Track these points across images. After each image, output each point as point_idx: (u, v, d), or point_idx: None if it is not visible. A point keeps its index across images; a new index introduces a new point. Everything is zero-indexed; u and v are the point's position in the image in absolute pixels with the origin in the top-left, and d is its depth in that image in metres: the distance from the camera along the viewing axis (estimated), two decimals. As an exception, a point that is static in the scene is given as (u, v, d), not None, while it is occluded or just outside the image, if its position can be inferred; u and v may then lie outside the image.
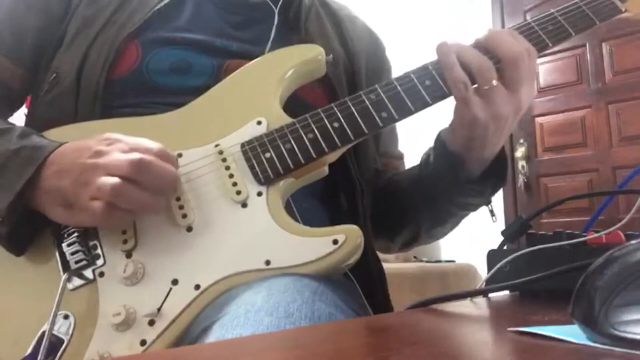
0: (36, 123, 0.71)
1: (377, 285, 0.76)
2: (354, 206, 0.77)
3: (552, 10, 0.74)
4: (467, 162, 0.71)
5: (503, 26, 3.26)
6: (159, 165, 0.58)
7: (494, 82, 0.64)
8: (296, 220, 0.63)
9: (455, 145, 0.70)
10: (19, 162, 0.60)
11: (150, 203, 0.58)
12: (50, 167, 0.59)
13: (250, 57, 0.75)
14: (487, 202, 0.75)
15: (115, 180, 0.56)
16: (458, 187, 0.72)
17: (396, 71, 0.79)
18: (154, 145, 0.60)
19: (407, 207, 0.81)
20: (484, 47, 0.67)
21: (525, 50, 0.66)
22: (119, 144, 0.59)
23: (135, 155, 0.57)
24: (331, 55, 0.74)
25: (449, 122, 0.70)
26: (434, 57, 0.71)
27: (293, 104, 0.72)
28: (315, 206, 0.74)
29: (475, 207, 0.76)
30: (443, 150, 0.71)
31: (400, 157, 0.95)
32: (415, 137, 1.36)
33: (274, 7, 0.80)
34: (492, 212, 0.75)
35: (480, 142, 0.68)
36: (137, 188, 0.57)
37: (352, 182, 0.77)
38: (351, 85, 0.82)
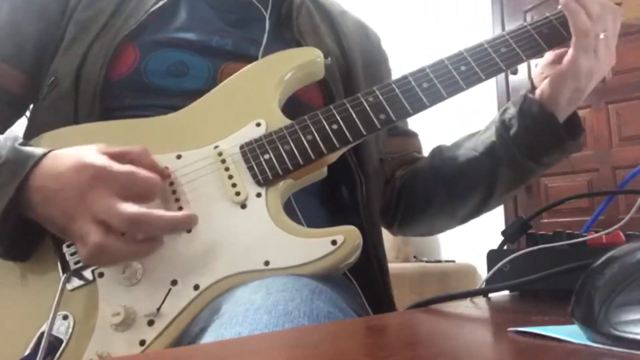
0: (37, 127, 0.71)
1: (379, 282, 0.76)
2: (354, 199, 0.77)
3: (548, 15, 0.74)
4: (561, 116, 0.73)
5: (503, 26, 3.26)
6: (158, 218, 0.54)
7: (602, 35, 0.69)
8: (296, 219, 0.63)
9: (558, 99, 0.72)
10: (1, 180, 0.58)
11: (139, 254, 0.56)
12: (37, 192, 0.57)
13: (246, 56, 0.75)
14: (579, 148, 0.77)
15: (100, 239, 0.52)
16: (556, 143, 0.74)
17: (396, 70, 0.79)
18: (151, 182, 0.56)
19: (479, 175, 0.81)
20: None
21: (611, 7, 0.71)
22: (105, 181, 0.54)
23: (132, 210, 0.53)
24: (329, 58, 0.75)
25: (552, 78, 0.73)
26: (434, 55, 0.71)
27: (288, 102, 0.72)
28: (312, 205, 0.74)
29: (566, 156, 0.77)
30: (538, 110, 0.73)
31: (416, 135, 0.96)
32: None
33: (261, 8, 0.81)
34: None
35: (580, 94, 0.72)
36: (127, 242, 0.54)
37: (351, 174, 0.77)
38: (346, 80, 0.82)
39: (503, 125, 0.76)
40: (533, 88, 0.76)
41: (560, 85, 0.72)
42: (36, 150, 0.60)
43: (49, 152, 0.59)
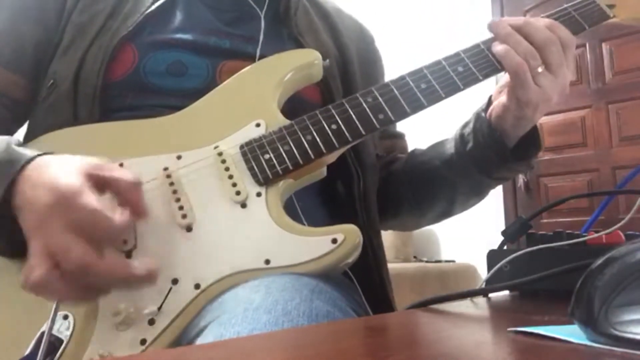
0: (36, 130, 0.71)
1: (375, 278, 0.76)
2: (350, 193, 0.78)
3: (542, 16, 0.75)
4: (510, 138, 0.74)
5: (503, 26, 3.26)
6: (110, 271, 0.50)
7: (540, 69, 0.68)
8: (297, 217, 0.63)
9: (503, 124, 0.73)
10: None
11: (78, 300, 0.53)
12: (18, 196, 0.55)
13: (244, 54, 0.76)
14: (530, 168, 0.78)
15: (42, 275, 0.49)
16: (503, 162, 0.75)
17: (394, 70, 0.79)
18: (112, 230, 0.50)
19: (441, 183, 0.83)
20: (523, 33, 0.69)
21: (557, 38, 0.69)
22: (65, 212, 0.50)
23: (83, 257, 0.49)
24: (327, 60, 0.75)
25: (497, 105, 0.74)
26: (433, 55, 0.71)
27: (287, 99, 0.73)
28: (312, 203, 0.74)
29: (516, 174, 0.79)
30: (487, 130, 0.74)
31: (403, 136, 0.98)
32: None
33: (256, 7, 0.81)
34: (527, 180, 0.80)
35: (527, 120, 0.72)
36: (69, 285, 0.50)
37: (348, 168, 0.77)
38: (344, 77, 0.83)
39: (462, 140, 0.78)
40: (489, 104, 0.76)
41: (504, 113, 0.72)
42: (27, 152, 0.58)
43: (37, 156, 0.57)
